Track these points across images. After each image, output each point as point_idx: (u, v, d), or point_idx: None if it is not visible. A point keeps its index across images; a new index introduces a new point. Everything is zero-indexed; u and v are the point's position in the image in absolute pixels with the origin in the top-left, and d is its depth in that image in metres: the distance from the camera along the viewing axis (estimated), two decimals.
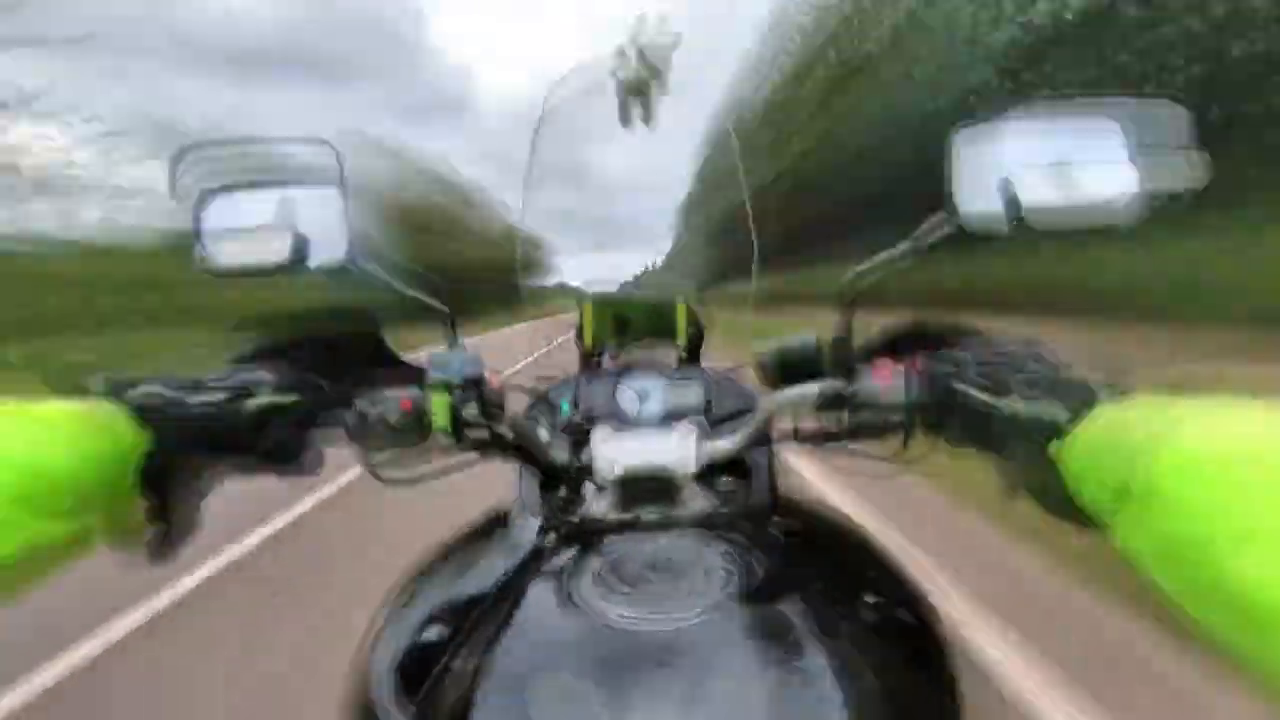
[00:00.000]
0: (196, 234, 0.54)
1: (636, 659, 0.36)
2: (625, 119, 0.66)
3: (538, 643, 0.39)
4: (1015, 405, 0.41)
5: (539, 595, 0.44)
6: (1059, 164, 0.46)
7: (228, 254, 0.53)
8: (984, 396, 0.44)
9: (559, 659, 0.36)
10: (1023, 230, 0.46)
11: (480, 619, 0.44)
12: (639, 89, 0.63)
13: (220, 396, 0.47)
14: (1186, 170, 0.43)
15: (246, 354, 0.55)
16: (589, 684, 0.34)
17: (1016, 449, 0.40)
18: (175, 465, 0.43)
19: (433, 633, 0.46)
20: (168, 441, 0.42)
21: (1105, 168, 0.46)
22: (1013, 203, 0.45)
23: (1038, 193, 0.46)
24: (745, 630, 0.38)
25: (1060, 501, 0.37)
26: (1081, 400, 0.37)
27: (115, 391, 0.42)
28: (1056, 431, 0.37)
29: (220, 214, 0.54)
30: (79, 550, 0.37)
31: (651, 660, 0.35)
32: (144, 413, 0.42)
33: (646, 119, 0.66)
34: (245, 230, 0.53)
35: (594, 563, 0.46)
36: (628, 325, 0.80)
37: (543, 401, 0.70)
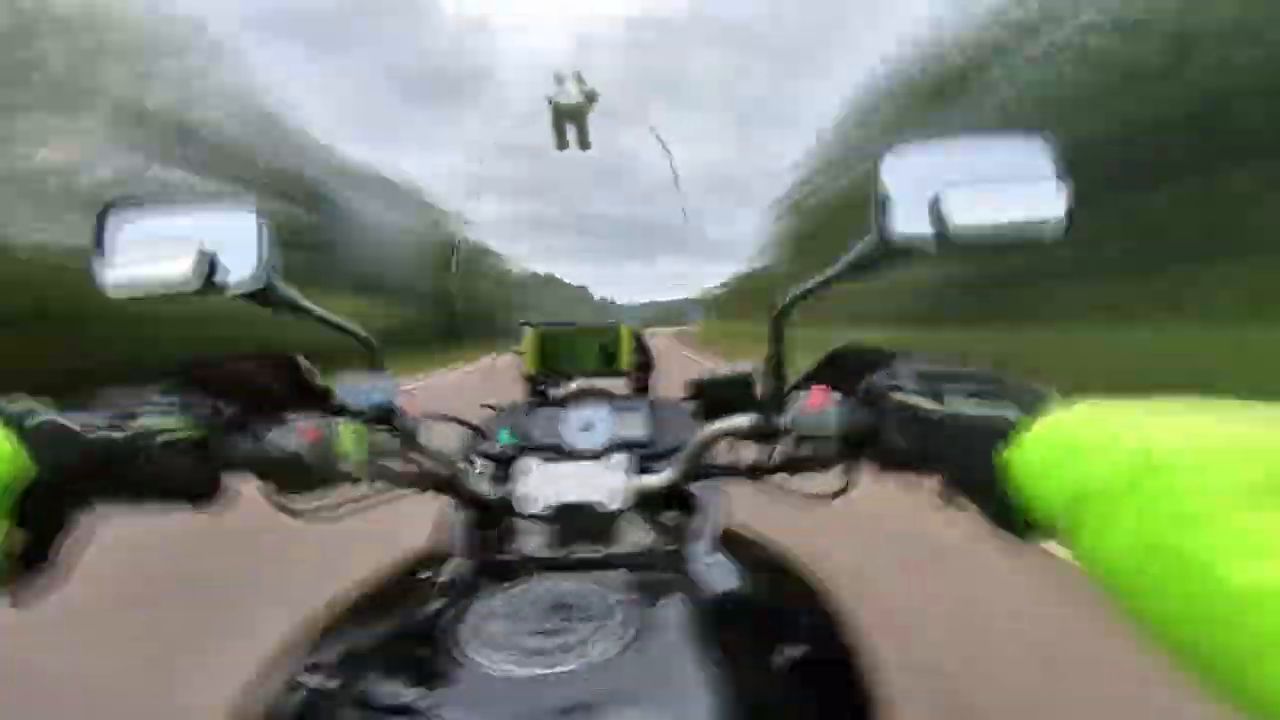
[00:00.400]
0: (97, 249, 0.51)
1: (513, 711, 0.32)
2: (560, 143, 0.65)
3: (417, 694, 0.35)
4: (958, 410, 0.39)
5: (431, 641, 0.40)
6: (985, 184, 0.45)
7: (131, 273, 0.51)
8: (924, 404, 0.41)
9: (435, 711, 0.32)
10: (948, 249, 0.45)
11: (370, 664, 0.40)
12: (575, 113, 0.63)
13: (115, 426, 0.44)
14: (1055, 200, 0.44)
15: (147, 382, 0.52)
16: None
17: (960, 457, 0.37)
18: (59, 498, 0.40)
19: (316, 678, 0.41)
20: (54, 471, 0.38)
21: (1029, 188, 0.45)
22: (940, 222, 0.45)
23: (965, 213, 0.45)
24: (640, 675, 0.35)
25: (1007, 511, 0.34)
26: (1030, 403, 0.34)
27: (5, 416, 0.39)
28: (1003, 436, 0.34)
29: (126, 231, 0.52)
30: None
31: (528, 711, 0.32)
32: (30, 439, 0.38)
33: (583, 144, 0.65)
34: (152, 247, 0.51)
35: (493, 607, 0.43)
36: (573, 353, 0.77)
37: (476, 431, 0.67)
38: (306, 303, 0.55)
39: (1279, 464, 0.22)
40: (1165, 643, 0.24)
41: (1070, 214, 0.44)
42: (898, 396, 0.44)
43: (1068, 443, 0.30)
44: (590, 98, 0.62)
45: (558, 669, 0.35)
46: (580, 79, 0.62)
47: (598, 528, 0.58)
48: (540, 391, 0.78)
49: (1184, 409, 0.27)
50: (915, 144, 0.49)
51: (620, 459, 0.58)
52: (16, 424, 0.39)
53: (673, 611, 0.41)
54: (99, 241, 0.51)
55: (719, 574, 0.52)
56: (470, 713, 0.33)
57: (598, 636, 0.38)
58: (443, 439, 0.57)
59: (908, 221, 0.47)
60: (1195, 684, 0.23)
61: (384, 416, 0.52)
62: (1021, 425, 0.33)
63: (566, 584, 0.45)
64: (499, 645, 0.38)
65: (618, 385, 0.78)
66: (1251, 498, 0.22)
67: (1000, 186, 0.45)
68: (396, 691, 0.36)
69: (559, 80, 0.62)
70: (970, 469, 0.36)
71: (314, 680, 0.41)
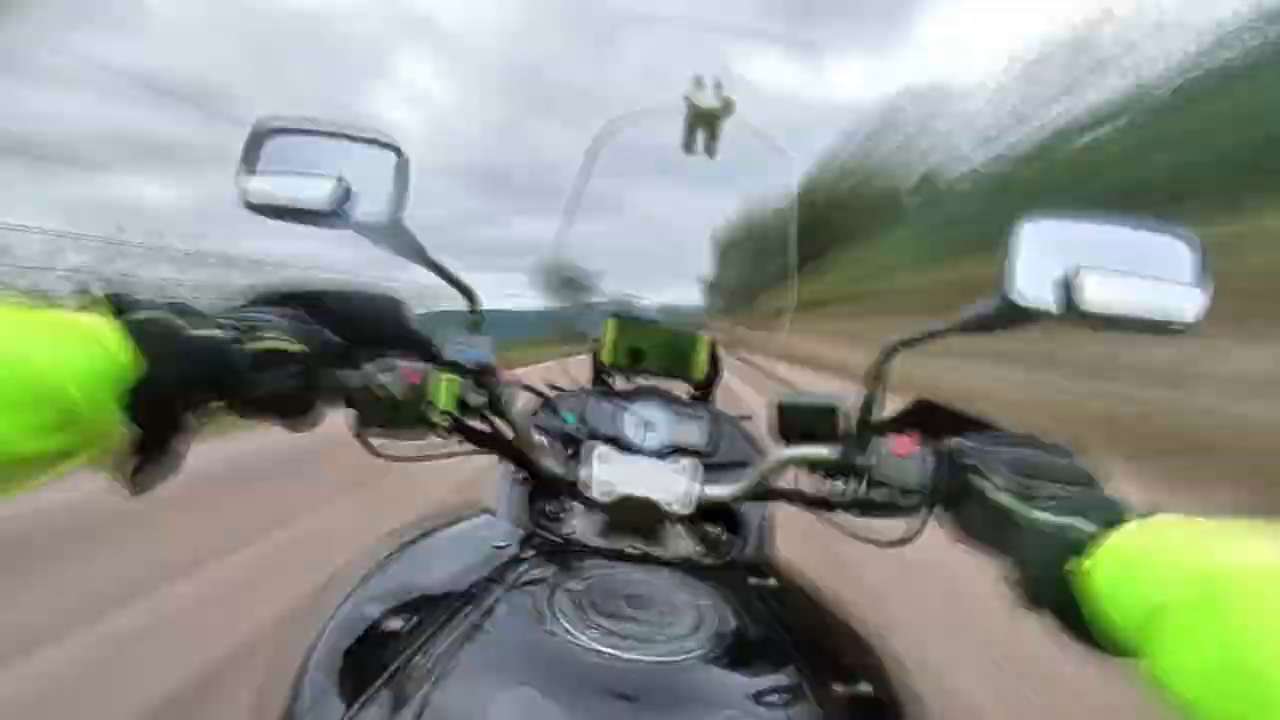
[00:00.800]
0: (245, 166, 0.53)
1: (606, 690, 0.33)
2: (689, 146, 0.66)
3: (505, 658, 0.36)
4: (1038, 514, 0.39)
5: (512, 608, 0.41)
6: (1122, 271, 0.45)
7: (270, 192, 0.52)
8: (1007, 499, 0.42)
9: (525, 678, 0.33)
10: (1072, 321, 0.45)
11: (444, 622, 0.41)
12: (708, 119, 0.63)
13: (225, 332, 0.45)
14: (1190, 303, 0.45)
15: (261, 296, 0.53)
16: (553, 708, 0.31)
17: (1035, 560, 0.38)
18: (166, 395, 0.40)
19: (396, 625, 0.42)
20: (162, 369, 0.39)
21: (1167, 284, 0.45)
22: (1070, 297, 0.45)
23: (1098, 295, 0.45)
24: (717, 681, 0.36)
25: (1080, 622, 0.35)
26: (1108, 516, 0.35)
27: (117, 308, 0.39)
28: (1080, 547, 0.35)
29: (273, 150, 0.54)
30: (54, 468, 0.34)
31: (621, 694, 0.33)
32: (142, 335, 0.38)
33: (710, 150, 0.66)
34: (293, 172, 0.52)
35: (574, 585, 0.43)
36: (647, 349, 0.78)
37: (548, 408, 0.68)
38: (425, 248, 0.56)
39: None
40: None
41: (1204, 316, 0.44)
42: (976, 480, 0.44)
43: (1144, 558, 0.31)
44: (728, 106, 0.63)
45: (640, 657, 0.35)
46: (720, 85, 0.63)
47: (653, 527, 0.59)
48: (605, 381, 0.79)
49: (1259, 529, 0.28)
50: (1054, 216, 0.49)
51: (687, 464, 0.58)
52: (125, 317, 0.39)
53: (736, 624, 0.42)
54: (246, 156, 0.53)
55: (774, 597, 0.53)
56: (566, 684, 0.34)
57: (673, 632, 0.38)
58: (522, 406, 0.58)
59: (1035, 289, 0.47)
60: None
61: (479, 375, 0.53)
62: (1098, 538, 0.34)
63: (641, 576, 0.46)
64: (595, 624, 0.38)
65: (681, 388, 0.79)
66: None
67: (1138, 277, 0.45)
68: (487, 650, 0.37)
69: (698, 83, 0.63)
70: (1042, 577, 0.37)
71: (396, 623, 0.42)
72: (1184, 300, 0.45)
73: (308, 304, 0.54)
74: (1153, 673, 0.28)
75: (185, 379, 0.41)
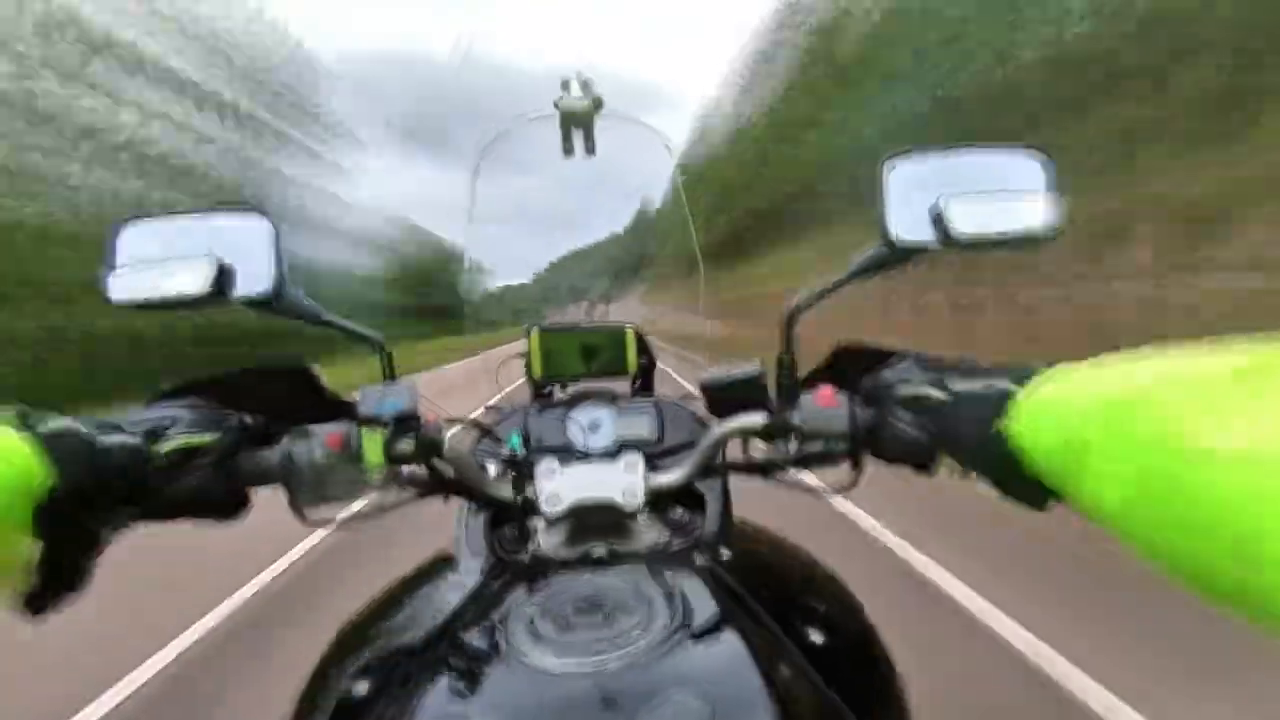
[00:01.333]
0: (108, 264, 0.51)
1: (562, 707, 0.34)
2: (568, 148, 0.66)
3: (465, 696, 0.36)
4: (958, 387, 0.42)
5: (472, 642, 0.41)
6: (983, 193, 0.48)
7: (141, 285, 0.50)
8: (926, 389, 0.45)
9: (485, 710, 0.34)
10: (950, 250, 0.47)
11: (414, 669, 0.41)
12: (581, 118, 0.63)
13: (132, 439, 0.44)
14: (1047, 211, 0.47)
15: (164, 392, 0.52)
16: None
17: (963, 430, 0.40)
18: (78, 508, 0.39)
19: (364, 686, 0.43)
20: (73, 481, 0.38)
21: (1025, 198, 0.48)
22: (942, 228, 0.47)
23: (965, 220, 0.47)
24: (677, 667, 0.37)
25: (1018, 479, 0.37)
26: (1022, 376, 0.38)
27: (23, 422, 0.38)
28: (1002, 407, 0.37)
29: (136, 244, 0.52)
30: None
31: (576, 706, 0.34)
32: (52, 447, 0.37)
33: (590, 148, 0.66)
34: (162, 260, 0.50)
35: (530, 605, 0.44)
36: (577, 355, 0.78)
37: (488, 435, 0.68)
38: (317, 308, 0.55)
39: (1239, 386, 0.25)
40: (1175, 569, 0.26)
41: (1062, 222, 0.47)
42: (902, 390, 0.47)
43: (1057, 402, 0.33)
44: (597, 103, 0.63)
45: (606, 660, 0.36)
46: (586, 84, 0.63)
47: (615, 526, 0.60)
48: (545, 394, 0.79)
49: (1153, 355, 0.30)
50: (915, 152, 0.51)
51: (634, 458, 0.59)
52: (32, 430, 0.38)
53: (702, 602, 0.43)
54: (107, 254, 0.50)
55: (736, 565, 0.55)
56: (528, 710, 0.34)
57: (637, 628, 0.39)
58: (454, 442, 0.58)
59: (911, 226, 0.49)
60: (1205, 601, 0.25)
61: (404, 422, 0.52)
62: (1015, 395, 0.37)
63: (597, 579, 0.47)
64: (546, 641, 0.39)
65: (620, 385, 0.79)
66: (1220, 419, 0.24)
67: (998, 196, 0.48)
68: (449, 695, 0.37)
69: (564, 85, 0.63)
70: (975, 443, 0.39)
71: (363, 688, 0.42)
72: (1043, 213, 0.47)
73: (214, 392, 0.52)
74: (1085, 510, 0.30)
75: (98, 490, 0.40)
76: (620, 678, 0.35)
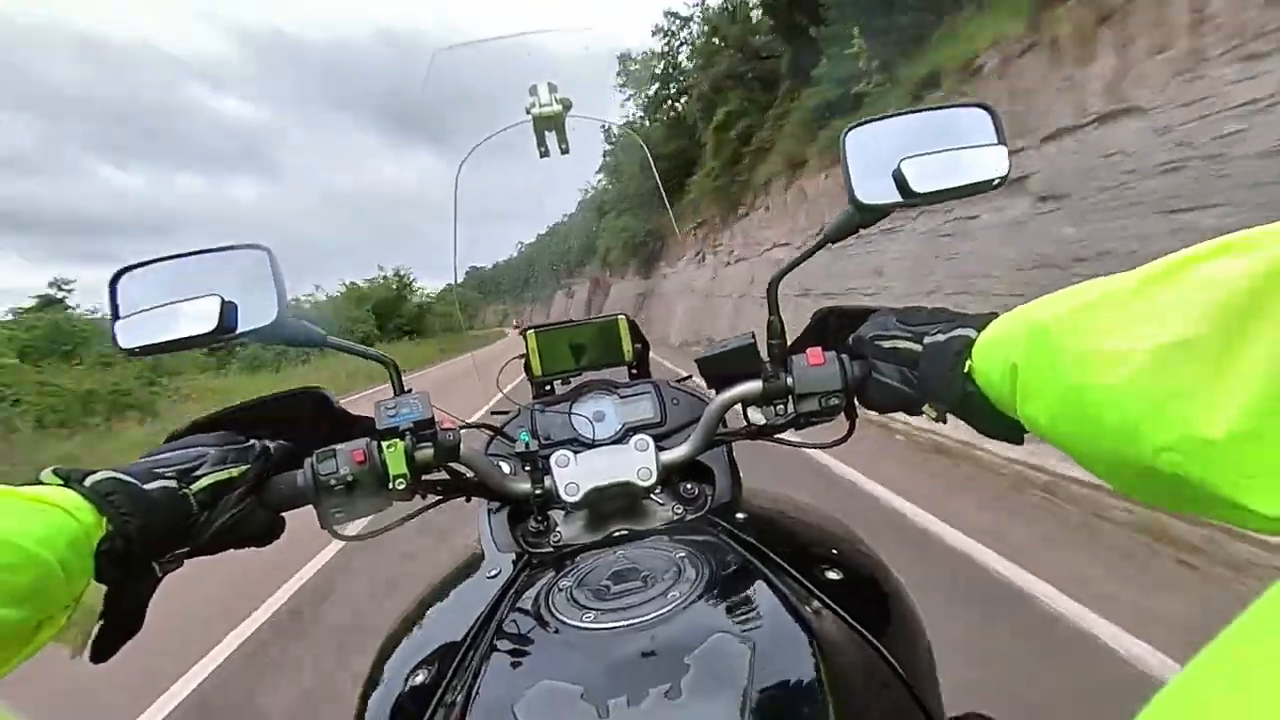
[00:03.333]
0: (113, 314, 0.52)
1: (616, 659, 0.37)
2: (543, 151, 0.68)
3: (520, 666, 0.39)
4: (930, 339, 0.46)
5: (517, 624, 0.44)
6: (937, 150, 0.52)
7: (149, 330, 0.52)
8: (903, 343, 0.49)
9: (541, 675, 0.37)
10: (912, 206, 0.52)
11: (466, 658, 0.44)
12: (552, 122, 0.65)
13: (170, 479, 0.45)
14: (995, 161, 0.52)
15: (183, 431, 0.53)
16: (574, 692, 0.34)
17: (936, 375, 0.44)
18: (131, 553, 0.41)
19: (422, 678, 0.45)
20: (125, 526, 0.40)
21: (975, 150, 0.52)
22: (904, 187, 0.51)
23: (923, 178, 0.51)
24: (713, 615, 0.40)
25: (988, 416, 0.41)
26: (984, 322, 0.42)
27: (69, 480, 0.40)
28: (965, 351, 0.42)
29: (137, 290, 0.53)
30: (33, 638, 0.35)
31: (629, 657, 0.36)
32: (102, 497, 0.40)
33: (564, 149, 0.68)
34: (165, 304, 0.52)
35: (565, 583, 0.47)
36: (573, 350, 0.81)
37: (500, 436, 0.70)
38: (320, 332, 0.56)
39: (1136, 296, 0.28)
40: (1096, 469, 0.31)
41: (1009, 169, 0.51)
42: (884, 344, 0.51)
43: (1000, 338, 0.38)
44: (566, 105, 0.65)
45: (649, 617, 0.39)
46: (552, 87, 0.65)
47: (632, 506, 0.63)
48: (546, 391, 0.81)
49: (1081, 285, 0.34)
50: (871, 120, 0.55)
51: (641, 439, 0.62)
52: (80, 484, 0.40)
53: (726, 558, 0.47)
54: (114, 306, 0.52)
55: (750, 524, 0.58)
56: (587, 666, 0.37)
57: (672, 588, 0.43)
58: (468, 445, 0.60)
59: (874, 189, 0.53)
60: (1123, 495, 0.30)
61: (421, 431, 0.54)
62: (976, 339, 0.41)
63: (626, 553, 0.50)
64: (589, 609, 0.42)
65: (618, 373, 0.82)
66: (1114, 328, 0.28)
67: (950, 152, 0.52)
68: (509, 670, 0.39)
69: (533, 92, 0.65)
70: (947, 387, 0.43)
71: (421, 680, 0.44)
72: (992, 160, 0.51)
73: (234, 424, 0.54)
74: (1027, 423, 0.35)
75: (147, 533, 0.42)
76: (665, 629, 0.38)
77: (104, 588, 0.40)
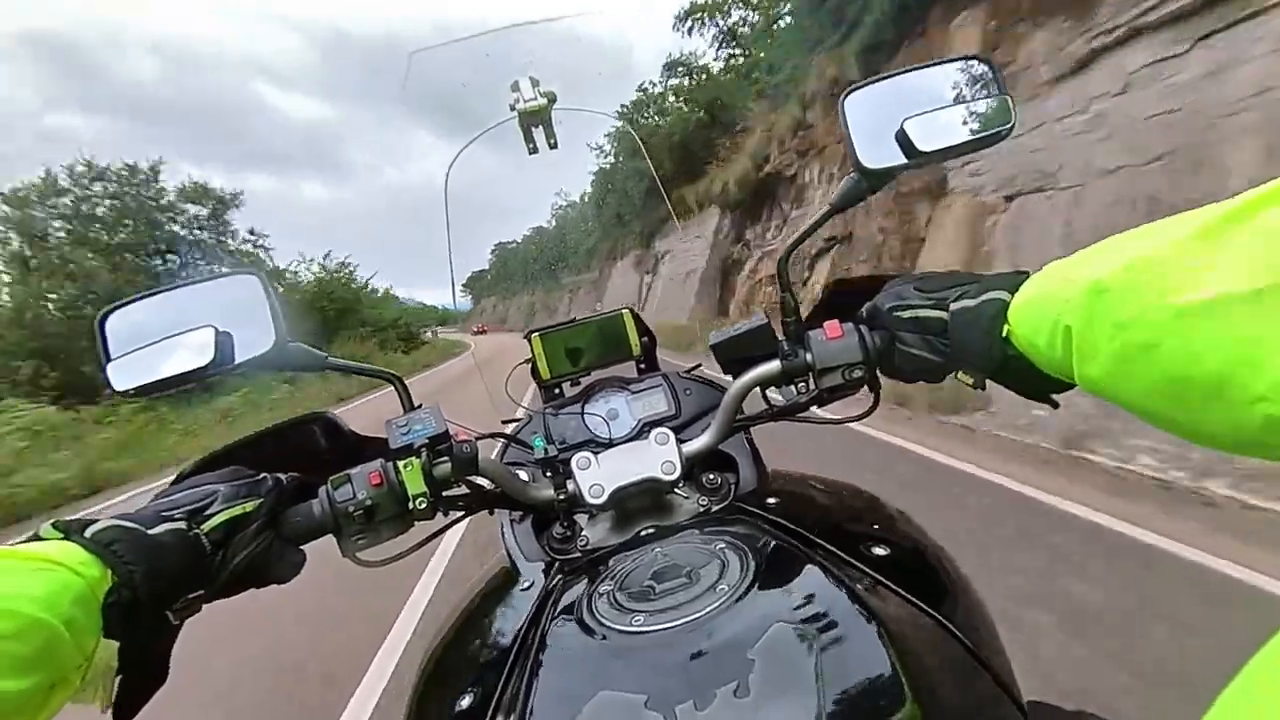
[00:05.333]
0: (104, 357, 0.50)
1: (669, 661, 0.35)
2: (531, 146, 0.66)
3: (574, 680, 0.38)
4: (958, 305, 0.45)
5: (562, 635, 0.42)
6: (940, 108, 0.50)
7: (143, 369, 0.49)
8: (928, 311, 0.47)
9: (598, 687, 0.35)
10: (918, 166, 0.50)
11: (512, 677, 0.42)
12: (537, 116, 0.64)
13: (179, 520, 0.43)
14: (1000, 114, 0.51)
15: (190, 470, 0.51)
16: (637, 701, 0.33)
17: (970, 342, 0.43)
18: (143, 603, 0.39)
19: (468, 702, 0.43)
20: (132, 575, 0.38)
21: (978, 104, 0.51)
22: (909, 148, 0.49)
23: (928, 137, 0.50)
24: (768, 605, 0.38)
25: (1029, 378, 0.40)
26: (1014, 282, 0.41)
27: (69, 532, 0.38)
28: (1001, 314, 0.40)
29: (126, 330, 0.51)
30: (46, 705, 0.33)
31: (682, 658, 0.35)
32: (102, 548, 0.38)
33: (551, 143, 0.66)
34: (158, 340, 0.50)
35: (605, 587, 0.45)
36: (579, 349, 0.79)
37: (514, 444, 0.69)
38: (321, 355, 0.54)
39: (1194, 248, 0.27)
40: (1163, 423, 0.30)
41: (1014, 119, 0.50)
42: (904, 314, 0.49)
43: (1043, 299, 0.36)
44: (550, 99, 0.63)
45: (700, 614, 0.38)
46: (535, 81, 0.63)
47: (657, 503, 0.61)
48: (556, 394, 0.80)
49: (1123, 238, 0.33)
50: (869, 82, 0.53)
51: (661, 432, 0.61)
52: (80, 535, 0.38)
53: (767, 545, 0.45)
54: (104, 348, 0.49)
55: (782, 508, 0.57)
56: (644, 670, 0.35)
57: (720, 581, 0.41)
58: (484, 457, 0.58)
59: (878, 152, 0.52)
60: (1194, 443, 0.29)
61: (435, 447, 0.53)
62: (1010, 302, 0.40)
63: (661, 550, 0.48)
64: (634, 612, 0.40)
65: (627, 369, 0.80)
66: (1179, 281, 0.27)
67: (952, 107, 0.50)
68: (562, 680, 0.38)
69: (515, 88, 0.63)
70: (983, 354, 0.42)
71: (468, 701, 0.43)
72: (996, 112, 0.50)
73: (243, 458, 0.52)
74: (1085, 386, 0.33)
75: (157, 580, 0.40)
76: (721, 625, 0.37)
77: (116, 643, 0.38)
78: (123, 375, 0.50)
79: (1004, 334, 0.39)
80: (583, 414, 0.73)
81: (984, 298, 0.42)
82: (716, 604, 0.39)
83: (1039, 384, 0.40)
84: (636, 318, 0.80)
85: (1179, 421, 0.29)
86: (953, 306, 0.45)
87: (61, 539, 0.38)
